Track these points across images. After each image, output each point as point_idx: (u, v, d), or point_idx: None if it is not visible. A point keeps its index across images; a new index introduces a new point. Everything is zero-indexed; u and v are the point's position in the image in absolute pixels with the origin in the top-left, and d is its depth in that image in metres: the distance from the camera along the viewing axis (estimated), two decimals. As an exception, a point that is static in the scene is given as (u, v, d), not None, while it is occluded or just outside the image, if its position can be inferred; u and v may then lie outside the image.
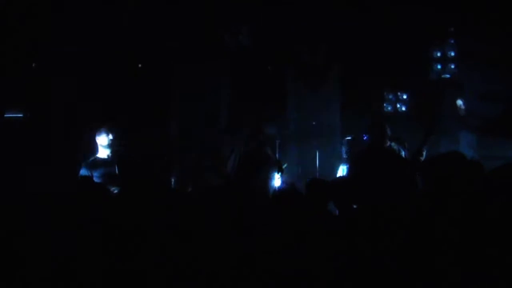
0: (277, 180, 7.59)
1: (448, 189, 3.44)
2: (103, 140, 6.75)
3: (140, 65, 10.26)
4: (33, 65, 9.84)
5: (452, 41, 9.25)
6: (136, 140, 9.17)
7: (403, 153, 7.04)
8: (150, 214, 3.90)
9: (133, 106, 10.16)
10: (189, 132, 10.17)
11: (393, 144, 6.98)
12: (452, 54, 9.28)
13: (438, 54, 9.34)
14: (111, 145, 6.72)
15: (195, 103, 10.13)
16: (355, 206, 4.33)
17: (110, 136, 6.75)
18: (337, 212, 4.46)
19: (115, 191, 5.65)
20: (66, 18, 9.06)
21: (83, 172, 6.59)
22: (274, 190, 7.46)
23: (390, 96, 9.96)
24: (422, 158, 6.57)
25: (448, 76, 9.31)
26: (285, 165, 8.89)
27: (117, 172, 5.87)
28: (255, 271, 3.34)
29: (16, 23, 8.91)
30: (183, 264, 3.45)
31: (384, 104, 9.99)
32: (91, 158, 6.87)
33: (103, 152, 6.76)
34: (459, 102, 8.90)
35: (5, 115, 9.86)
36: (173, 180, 8.60)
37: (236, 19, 9.58)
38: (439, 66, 9.33)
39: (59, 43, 9.56)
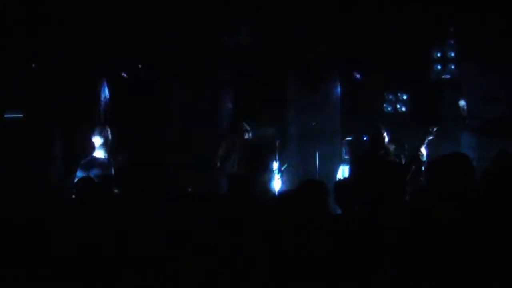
0: (277, 181, 7.59)
1: (452, 191, 3.44)
2: (97, 140, 6.76)
3: (140, 66, 10.28)
4: (33, 65, 9.85)
5: (452, 42, 9.24)
6: (136, 141, 9.21)
7: (402, 158, 7.05)
8: (149, 216, 3.91)
9: (132, 106, 10.19)
10: (188, 133, 10.18)
11: (392, 146, 6.99)
12: (452, 54, 9.27)
13: (438, 55, 9.34)
14: (106, 145, 6.72)
15: (195, 103, 10.14)
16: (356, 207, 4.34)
17: (104, 133, 6.76)
18: (338, 212, 4.46)
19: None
20: (66, 19, 9.07)
21: (79, 173, 6.59)
22: (274, 192, 7.47)
23: (390, 97, 9.96)
24: (423, 159, 6.59)
25: (448, 76, 9.30)
26: (286, 166, 8.91)
27: (113, 173, 5.89)
28: (256, 274, 3.35)
29: (16, 24, 8.92)
30: (183, 267, 3.45)
31: (384, 105, 10.00)
32: (88, 158, 6.88)
33: (99, 152, 6.76)
34: (462, 102, 8.89)
35: (5, 115, 9.88)
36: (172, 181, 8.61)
37: (236, 20, 9.57)
38: (439, 67, 9.32)
39: (59, 44, 9.57)
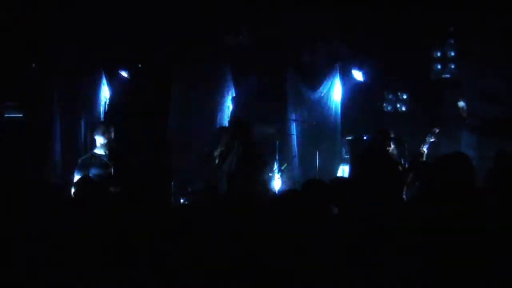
0: (277, 181, 7.58)
1: (452, 191, 3.44)
2: (99, 139, 6.76)
3: (140, 65, 10.28)
4: (33, 65, 9.85)
5: (452, 41, 9.24)
6: (135, 140, 9.20)
7: (402, 157, 7.06)
8: (149, 216, 3.90)
9: (132, 106, 10.19)
10: (188, 132, 10.19)
11: (392, 148, 6.99)
12: (452, 54, 9.27)
13: (438, 54, 9.33)
14: (108, 144, 6.72)
15: (195, 103, 10.14)
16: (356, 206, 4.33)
17: (107, 135, 6.76)
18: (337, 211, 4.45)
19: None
20: (66, 18, 9.07)
21: (78, 173, 6.58)
22: (274, 192, 7.46)
23: (390, 96, 9.95)
24: (423, 158, 6.59)
25: (448, 76, 9.30)
26: (285, 165, 8.91)
27: (113, 173, 5.88)
28: (256, 274, 3.34)
29: (15, 23, 8.92)
30: (183, 268, 3.45)
31: (384, 104, 9.98)
32: (87, 157, 6.88)
33: (98, 151, 6.76)
34: (461, 103, 8.90)
35: (5, 115, 9.89)
36: (172, 181, 8.60)
37: (236, 19, 9.57)
38: (439, 66, 9.32)
39: (59, 43, 9.57)
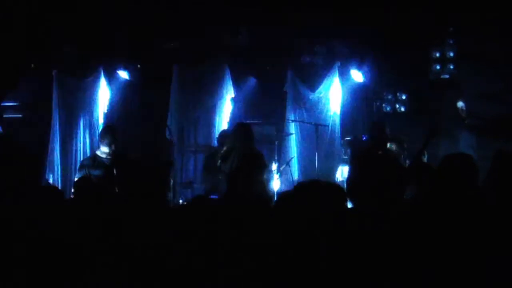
0: (276, 182, 7.58)
1: (454, 190, 3.45)
2: (103, 140, 6.77)
3: (139, 66, 10.29)
4: (33, 65, 9.86)
5: (451, 42, 9.24)
6: (136, 141, 9.21)
7: (402, 157, 7.06)
8: (150, 219, 3.90)
9: (132, 106, 10.19)
10: (188, 132, 10.20)
11: (392, 146, 7.00)
12: (451, 54, 9.27)
13: (437, 55, 9.34)
14: (111, 145, 6.73)
15: (194, 103, 10.15)
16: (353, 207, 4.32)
17: (111, 136, 6.77)
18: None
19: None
20: (66, 18, 9.07)
21: (80, 173, 6.60)
22: (273, 193, 7.47)
23: (389, 97, 9.95)
24: (424, 159, 6.60)
25: (447, 76, 9.30)
26: (284, 166, 8.91)
27: (115, 174, 5.89)
28: (255, 274, 3.35)
29: (16, 23, 8.92)
30: (183, 268, 3.46)
31: (383, 105, 9.99)
32: (89, 158, 6.89)
33: (101, 152, 6.77)
34: (460, 104, 8.90)
35: (5, 115, 9.89)
36: (172, 181, 8.61)
37: (236, 19, 9.58)
38: (438, 67, 9.32)
39: (59, 43, 9.57)
